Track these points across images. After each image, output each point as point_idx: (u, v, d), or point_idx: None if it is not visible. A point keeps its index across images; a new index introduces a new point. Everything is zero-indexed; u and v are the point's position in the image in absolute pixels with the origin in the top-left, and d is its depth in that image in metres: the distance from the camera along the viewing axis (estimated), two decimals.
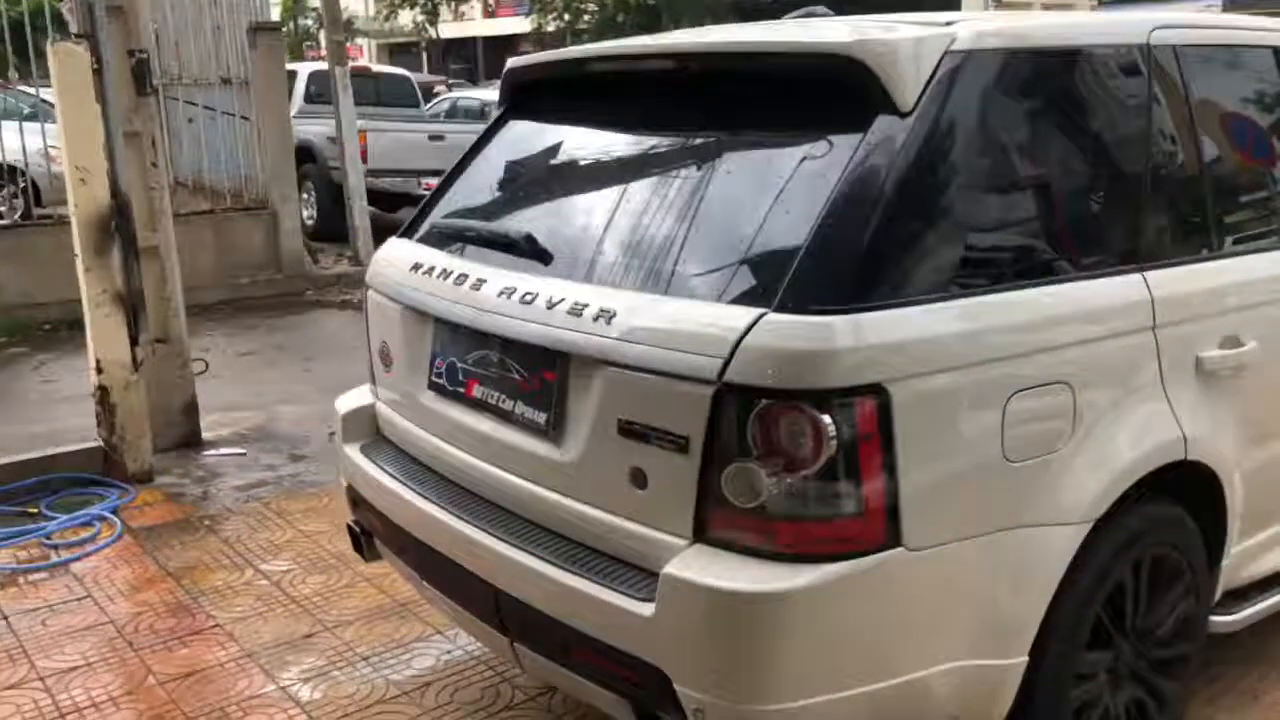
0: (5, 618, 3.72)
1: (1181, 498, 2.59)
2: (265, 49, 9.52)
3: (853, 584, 2.03)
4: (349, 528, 3.13)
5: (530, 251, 2.54)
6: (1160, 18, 2.78)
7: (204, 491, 4.91)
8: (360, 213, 10.57)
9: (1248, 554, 2.86)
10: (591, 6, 18.58)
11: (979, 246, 2.30)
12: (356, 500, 3.03)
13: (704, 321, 2.10)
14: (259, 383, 6.68)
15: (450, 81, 25.60)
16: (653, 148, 2.70)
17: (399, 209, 12.15)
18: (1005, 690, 2.27)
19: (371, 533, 3.03)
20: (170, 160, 8.95)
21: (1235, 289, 2.74)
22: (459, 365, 2.66)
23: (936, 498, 2.11)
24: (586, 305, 2.28)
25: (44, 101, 7.68)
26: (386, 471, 2.86)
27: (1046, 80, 2.49)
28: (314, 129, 11.91)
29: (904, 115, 2.17)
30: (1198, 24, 2.99)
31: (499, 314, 2.47)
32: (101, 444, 4.98)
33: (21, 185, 8.93)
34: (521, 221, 2.76)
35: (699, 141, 2.56)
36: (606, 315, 2.23)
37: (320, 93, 12.13)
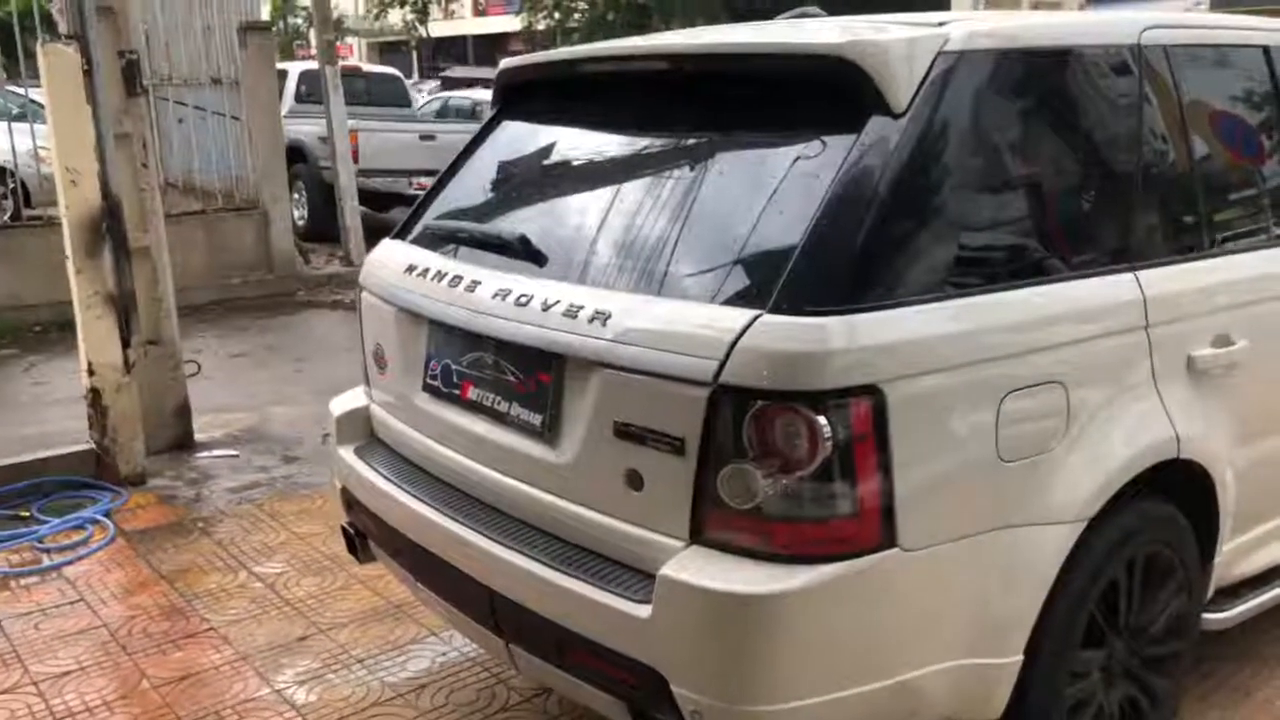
0: None
1: (1174, 496, 2.60)
2: (255, 48, 9.50)
3: (848, 585, 2.04)
4: (343, 530, 3.12)
5: (525, 253, 2.54)
6: (1151, 18, 2.79)
7: (197, 494, 4.89)
8: (351, 213, 10.55)
9: (1239, 551, 2.88)
10: (582, 5, 18.53)
11: (972, 247, 2.31)
12: (351, 502, 3.03)
13: (699, 323, 2.10)
14: (251, 384, 6.67)
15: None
16: (646, 149, 2.70)
17: (390, 209, 12.14)
18: (1000, 689, 2.28)
19: (366, 535, 3.02)
20: (161, 161, 8.88)
21: (1226, 288, 2.75)
22: (454, 367, 2.66)
23: (931, 498, 2.11)
24: (582, 307, 2.28)
25: (33, 102, 7.64)
26: (381, 473, 2.85)
27: (1039, 80, 2.50)
28: (305, 129, 11.90)
29: (897, 116, 2.18)
30: (1188, 24, 3.00)
31: (494, 316, 2.47)
32: (93, 446, 4.97)
33: (11, 186, 8.89)
34: (516, 223, 2.76)
35: (693, 143, 2.56)
36: (602, 317, 2.23)
37: (311, 92, 12.13)
